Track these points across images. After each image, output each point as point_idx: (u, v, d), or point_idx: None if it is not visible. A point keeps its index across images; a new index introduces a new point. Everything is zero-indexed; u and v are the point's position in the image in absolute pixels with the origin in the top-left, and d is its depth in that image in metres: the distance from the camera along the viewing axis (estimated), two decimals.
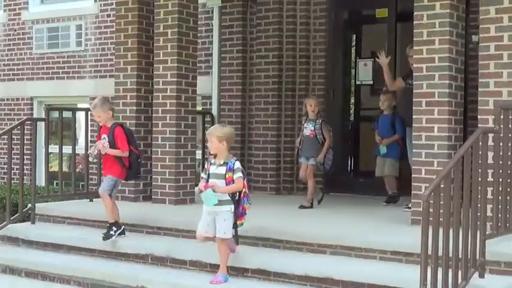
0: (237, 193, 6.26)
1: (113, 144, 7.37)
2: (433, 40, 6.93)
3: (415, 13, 7.06)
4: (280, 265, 6.39)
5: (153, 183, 8.95)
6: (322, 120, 8.68)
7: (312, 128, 8.59)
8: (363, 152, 10.66)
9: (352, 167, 10.74)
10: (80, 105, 12.28)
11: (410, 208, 7.25)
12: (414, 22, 7.06)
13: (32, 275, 7.43)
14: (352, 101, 10.72)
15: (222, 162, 6.25)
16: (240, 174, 6.20)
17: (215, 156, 6.32)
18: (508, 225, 6.04)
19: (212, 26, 10.81)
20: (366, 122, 10.43)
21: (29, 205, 8.60)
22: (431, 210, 5.05)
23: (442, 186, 5.21)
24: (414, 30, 7.06)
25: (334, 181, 10.06)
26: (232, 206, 6.23)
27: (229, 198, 6.22)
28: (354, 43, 10.91)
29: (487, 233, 5.69)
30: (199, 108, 10.27)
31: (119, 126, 7.47)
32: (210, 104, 10.77)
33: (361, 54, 10.55)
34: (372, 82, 10.15)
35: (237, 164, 6.23)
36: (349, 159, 10.72)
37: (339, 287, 6.03)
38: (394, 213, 7.88)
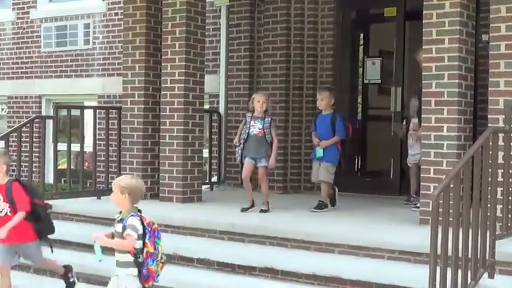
0: (140, 255, 5.29)
1: (12, 203, 6.38)
2: (443, 39, 6.90)
3: (424, 12, 7.03)
4: (288, 264, 6.40)
5: (161, 181, 8.95)
6: (272, 119, 8.23)
7: (261, 127, 8.05)
8: (370, 152, 10.65)
9: (360, 167, 10.72)
10: (87, 103, 12.33)
11: (418, 208, 7.23)
12: (423, 21, 7.04)
13: (40, 272, 7.45)
14: (360, 100, 10.70)
15: (119, 219, 5.38)
16: (130, 231, 5.22)
17: (121, 211, 5.45)
18: None
19: (220, 24, 10.81)
20: (374, 121, 10.43)
21: None
22: (440, 210, 5.03)
23: (451, 186, 5.19)
24: (423, 29, 7.04)
25: (341, 181, 10.02)
26: (135, 270, 5.32)
27: (130, 260, 5.31)
28: (361, 42, 10.89)
29: (496, 233, 5.68)
30: (206, 106, 10.28)
31: (15, 182, 6.48)
32: (218, 102, 10.78)
33: (369, 53, 10.53)
34: (379, 81, 10.13)
35: (130, 221, 5.26)
36: (357, 159, 10.70)
37: (346, 286, 6.04)
38: (402, 213, 7.87)
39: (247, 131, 8.11)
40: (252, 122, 8.10)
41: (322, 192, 8.21)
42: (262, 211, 7.97)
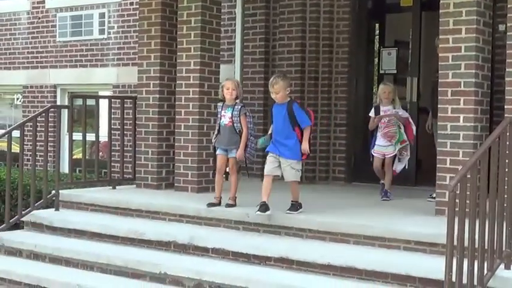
0: None
1: None
2: (460, 29, 6.84)
3: (441, 1, 6.97)
4: (303, 254, 6.39)
5: (176, 171, 8.96)
6: (242, 106, 7.65)
7: (230, 115, 7.58)
8: None
9: None
10: (102, 93, 12.35)
11: (434, 198, 7.20)
12: (440, 10, 6.98)
13: (56, 261, 7.48)
14: (375, 90, 10.65)
15: None
16: None
17: None
18: None
19: (235, 14, 10.78)
20: None
21: (53, 192, 8.65)
22: (457, 200, 5.00)
23: (468, 176, 5.16)
24: (440, 19, 6.98)
25: (356, 171, 10.04)
26: None
27: None
28: (377, 32, 10.84)
29: None
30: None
31: None
32: None
33: (384, 43, 10.49)
34: (395, 71, 10.09)
35: None
36: (371, 149, 10.64)
37: (362, 276, 6.02)
38: (418, 203, 7.84)
39: (219, 122, 7.71)
40: (223, 112, 7.65)
41: (293, 191, 7.21)
42: (228, 205, 7.53)
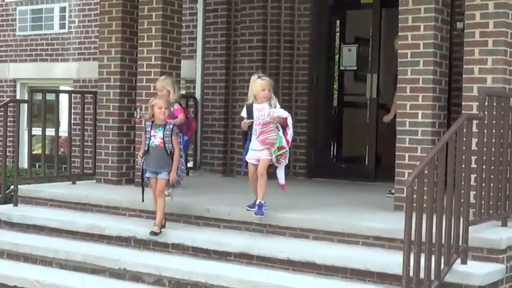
0: None
1: None
2: (418, 26, 6.91)
3: None
4: (263, 249, 6.41)
5: (136, 166, 8.90)
6: (174, 125, 7.14)
7: (162, 135, 7.01)
8: (346, 138, 10.69)
9: (335, 153, 10.77)
10: (63, 88, 12.26)
11: (393, 194, 7.26)
12: (399, 7, 7.04)
13: (14, 257, 7.41)
14: (336, 86, 10.72)
15: None
16: None
17: None
18: (491, 211, 6.07)
19: (196, 9, 10.75)
20: (350, 107, 10.46)
21: (12, 187, 8.56)
22: (414, 196, 5.06)
23: (425, 172, 5.22)
24: (399, 16, 7.04)
25: (316, 166, 10.08)
26: None
27: None
28: (338, 28, 10.89)
29: (470, 219, 5.71)
30: (183, 92, 10.24)
31: None
32: (194, 87, 10.73)
33: (345, 39, 10.55)
34: (355, 67, 10.15)
35: None
36: (332, 145, 10.73)
37: (321, 271, 6.06)
38: (377, 199, 7.89)
39: (147, 142, 7.07)
40: (153, 132, 7.05)
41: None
42: (152, 233, 6.95)
